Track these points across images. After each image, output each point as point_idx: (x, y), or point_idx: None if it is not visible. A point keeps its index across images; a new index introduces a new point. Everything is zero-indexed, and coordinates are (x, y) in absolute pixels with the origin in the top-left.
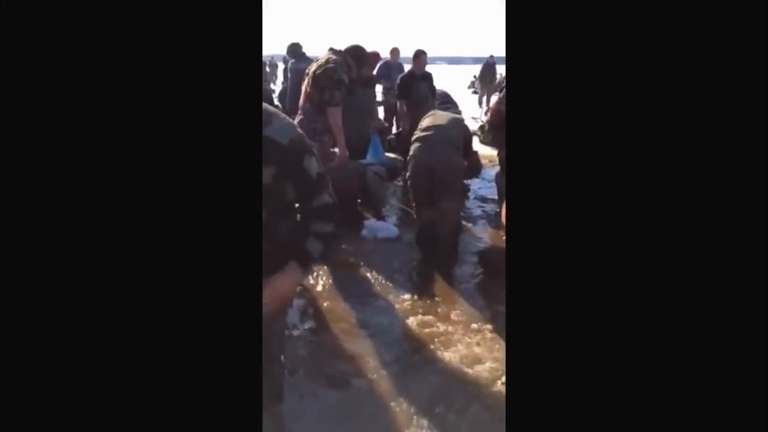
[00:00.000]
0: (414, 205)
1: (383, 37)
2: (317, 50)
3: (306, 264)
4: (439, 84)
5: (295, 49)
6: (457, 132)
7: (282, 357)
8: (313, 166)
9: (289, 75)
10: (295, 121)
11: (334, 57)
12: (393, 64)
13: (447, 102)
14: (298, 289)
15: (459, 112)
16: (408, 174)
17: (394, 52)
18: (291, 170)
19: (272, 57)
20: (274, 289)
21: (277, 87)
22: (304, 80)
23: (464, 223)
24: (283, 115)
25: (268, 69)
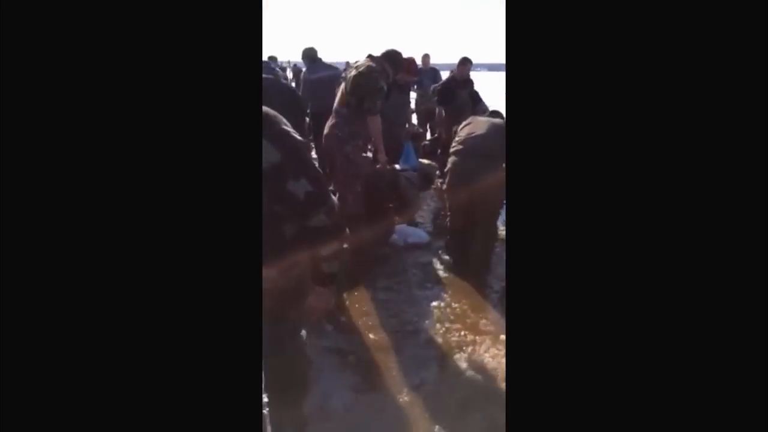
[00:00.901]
0: (448, 212)
1: (421, 43)
2: (355, 56)
3: (328, 284)
4: (479, 90)
5: (309, 54)
6: (496, 141)
7: (305, 360)
8: (301, 187)
9: (302, 84)
10: (328, 124)
11: (372, 64)
12: (425, 70)
13: (480, 102)
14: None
15: (499, 114)
16: (444, 185)
17: (426, 57)
18: (273, 192)
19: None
20: (310, 310)
21: None
22: (319, 89)
23: (502, 233)
24: (281, 127)
25: None
